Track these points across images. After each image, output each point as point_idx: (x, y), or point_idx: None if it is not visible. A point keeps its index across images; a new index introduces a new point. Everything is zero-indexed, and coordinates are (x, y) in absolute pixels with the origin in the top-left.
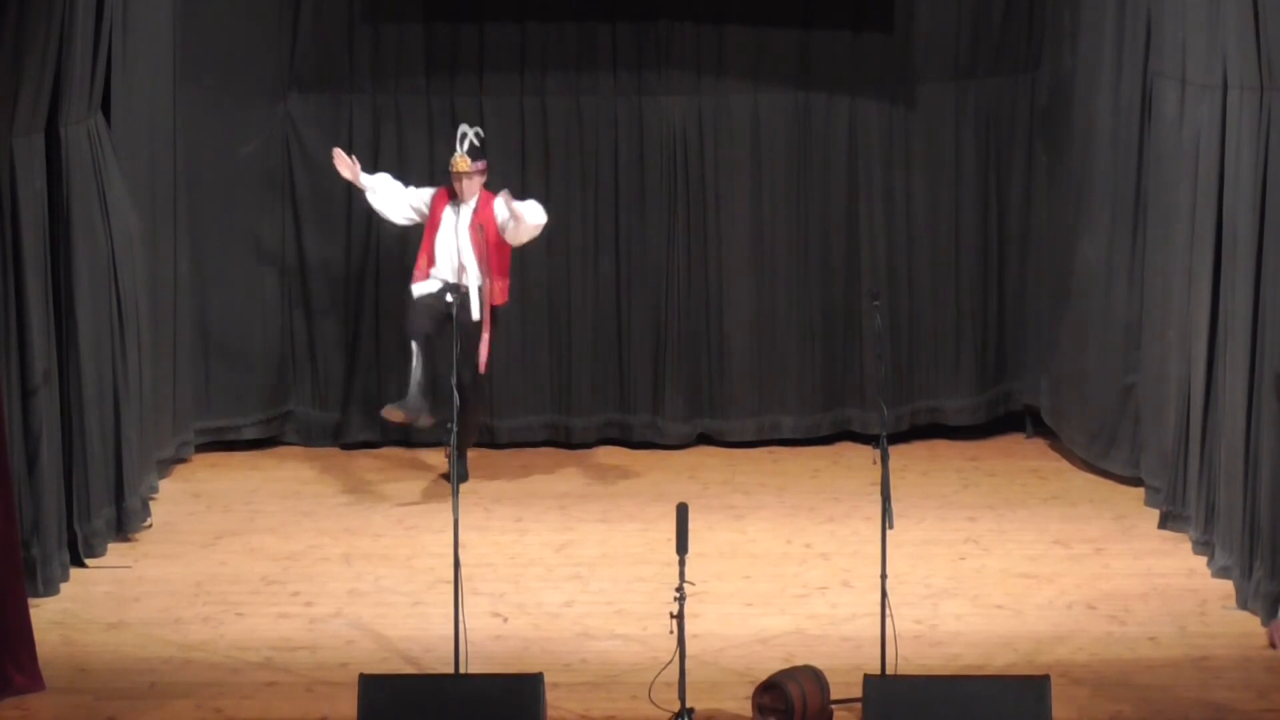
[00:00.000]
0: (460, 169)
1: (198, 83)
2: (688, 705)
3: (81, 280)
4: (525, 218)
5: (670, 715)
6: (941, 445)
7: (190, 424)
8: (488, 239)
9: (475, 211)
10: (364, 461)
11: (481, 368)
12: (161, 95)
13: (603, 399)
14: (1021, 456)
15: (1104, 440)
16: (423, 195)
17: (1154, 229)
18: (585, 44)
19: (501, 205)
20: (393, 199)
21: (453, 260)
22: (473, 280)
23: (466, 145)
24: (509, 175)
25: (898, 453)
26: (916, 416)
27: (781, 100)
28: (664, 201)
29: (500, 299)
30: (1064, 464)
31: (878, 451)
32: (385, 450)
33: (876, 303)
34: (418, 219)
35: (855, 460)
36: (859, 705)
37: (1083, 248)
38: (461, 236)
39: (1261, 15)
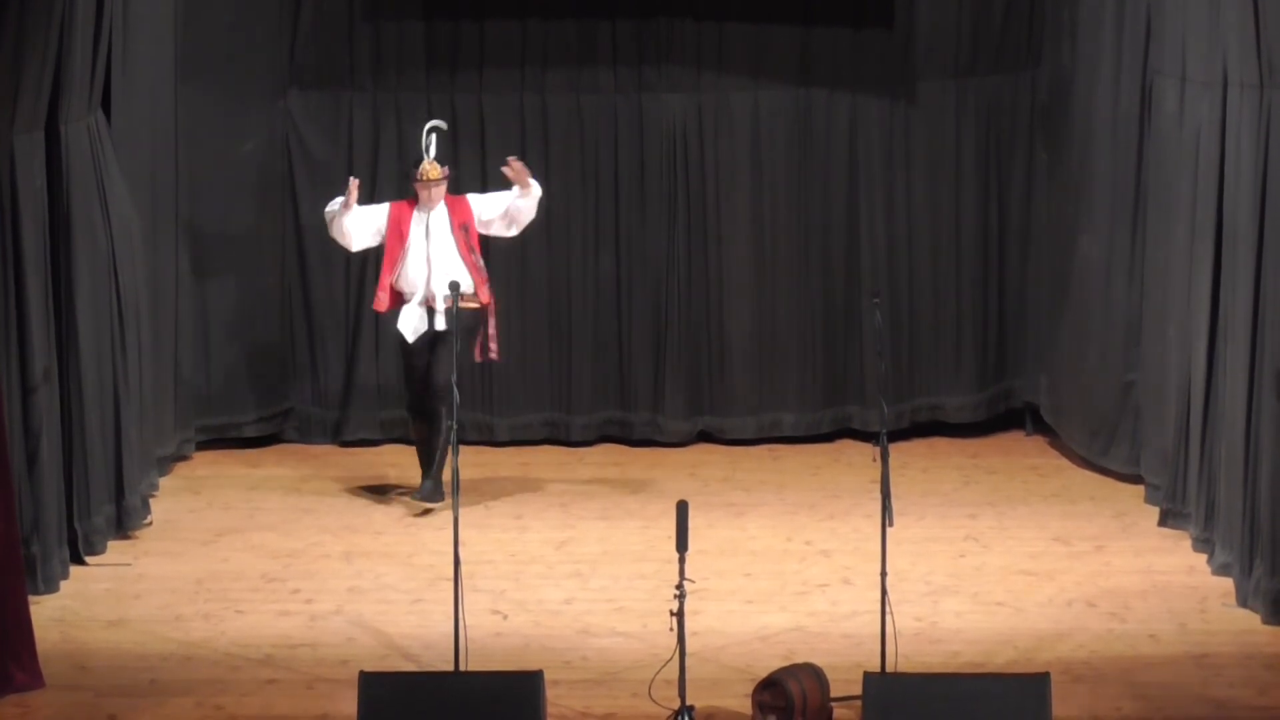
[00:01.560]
0: (432, 176)
1: (198, 80)
2: (688, 703)
3: (82, 278)
4: (532, 191)
5: (670, 713)
6: (942, 442)
7: (190, 421)
8: (471, 238)
9: (451, 213)
10: (364, 459)
11: (496, 354)
12: (162, 93)
13: (603, 397)
14: (1022, 454)
15: (1104, 437)
16: (380, 214)
17: (1154, 226)
18: (585, 41)
19: (489, 200)
20: (362, 223)
21: (425, 271)
22: (440, 285)
23: (435, 151)
24: None
25: (898, 450)
26: (917, 414)
27: (782, 97)
28: (664, 198)
29: (487, 298)
30: (1064, 461)
31: (878, 449)
32: (385, 448)
33: (876, 300)
34: (376, 242)
35: (855, 458)
36: (859, 703)
37: (1083, 245)
38: (440, 243)
39: (1261, 13)
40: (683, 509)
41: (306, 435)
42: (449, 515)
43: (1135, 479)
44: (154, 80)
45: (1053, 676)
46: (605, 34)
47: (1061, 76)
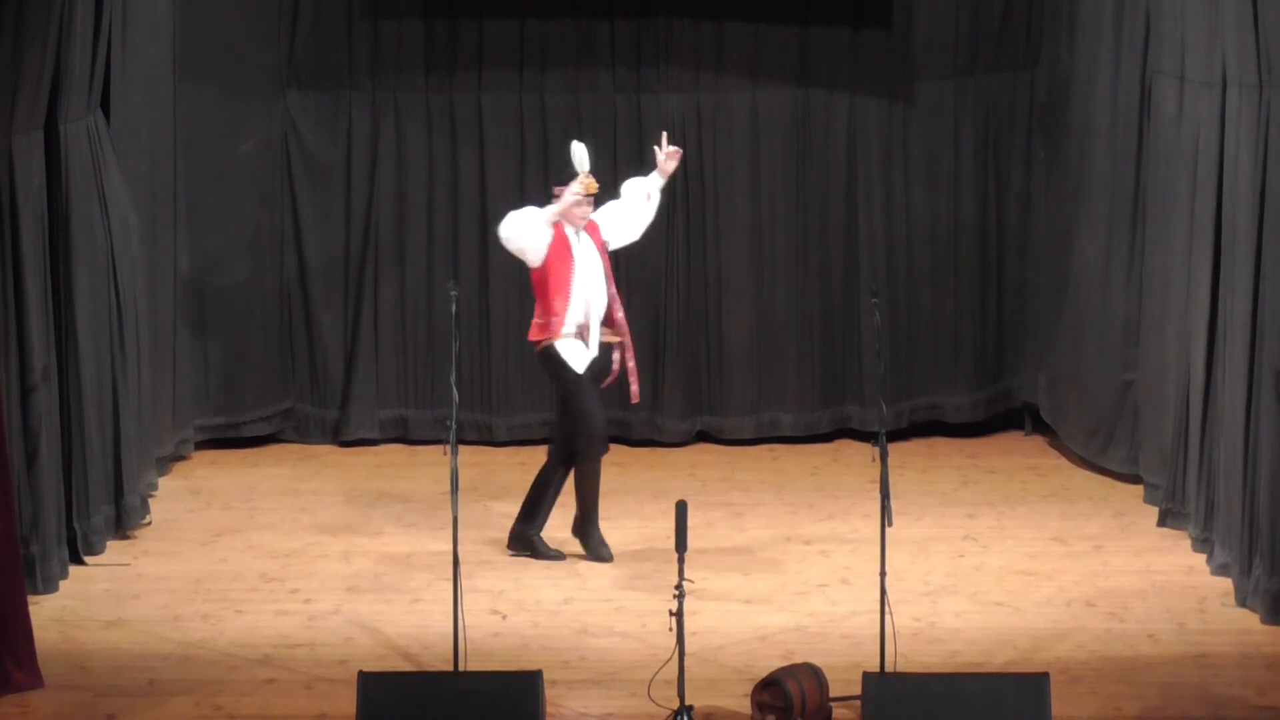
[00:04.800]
0: (593, 190)
1: (197, 80)
2: (687, 703)
3: (81, 277)
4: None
5: (669, 713)
6: (941, 442)
7: (189, 421)
8: (609, 259)
9: (591, 234)
10: (363, 459)
11: (636, 397)
12: (161, 92)
13: (602, 396)
14: (1020, 454)
15: (1103, 437)
16: (547, 234)
17: (1153, 226)
18: (584, 41)
19: (610, 214)
20: (543, 240)
21: (588, 300)
22: (597, 314)
23: (589, 164)
24: (507, 174)
25: (897, 450)
26: (916, 414)
27: (780, 97)
28: (663, 198)
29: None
30: (1063, 461)
31: (877, 449)
32: (384, 447)
33: (875, 300)
34: (539, 261)
35: (854, 457)
36: (858, 702)
37: (1081, 245)
38: (593, 268)
39: (1260, 12)
40: (681, 509)
41: (305, 435)
42: (448, 515)
43: (1134, 479)
44: (153, 80)
45: (1052, 676)
46: (604, 34)
47: (1060, 76)
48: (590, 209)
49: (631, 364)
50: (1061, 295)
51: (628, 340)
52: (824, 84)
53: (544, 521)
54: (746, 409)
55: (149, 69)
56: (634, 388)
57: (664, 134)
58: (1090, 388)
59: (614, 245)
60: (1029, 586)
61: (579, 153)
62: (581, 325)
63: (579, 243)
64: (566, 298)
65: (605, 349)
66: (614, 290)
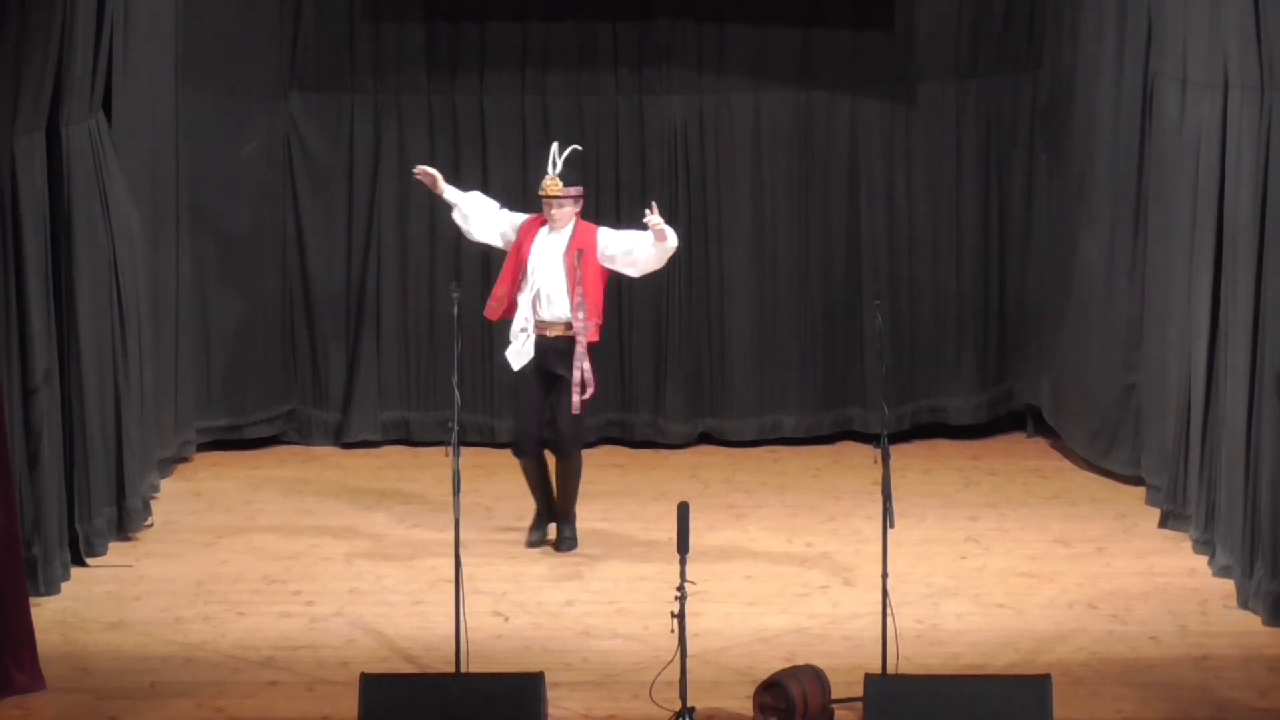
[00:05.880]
0: (550, 192)
1: (199, 82)
2: (689, 704)
3: (83, 279)
4: (667, 241)
5: (671, 714)
6: (943, 444)
7: (191, 423)
8: (584, 265)
9: (571, 238)
10: (365, 460)
11: (576, 408)
12: (162, 94)
13: (604, 398)
14: (1022, 455)
15: (1105, 439)
16: (515, 220)
17: (1155, 228)
18: (586, 43)
19: (618, 234)
20: (485, 219)
21: (533, 293)
22: (555, 313)
23: (559, 166)
24: (509, 175)
25: (899, 452)
26: (918, 415)
27: (782, 99)
28: (665, 200)
29: (594, 335)
30: (1065, 463)
31: (879, 451)
32: (386, 449)
33: (877, 301)
34: (500, 244)
35: (856, 459)
36: (860, 704)
37: (1083, 246)
38: (547, 267)
39: (1262, 15)
40: (683, 511)
41: (307, 437)
42: (450, 517)
43: (1136, 481)
44: (155, 82)
45: (1053, 678)
46: (606, 36)
47: (1062, 77)
48: (556, 210)
49: (577, 376)
50: (1064, 297)
51: (584, 348)
52: (826, 86)
53: (542, 510)
54: (748, 411)
55: (151, 71)
56: (575, 397)
57: (653, 203)
58: (1092, 390)
59: (615, 268)
60: (1031, 588)
61: (555, 153)
62: (525, 319)
63: (545, 241)
64: (505, 286)
65: (563, 344)
66: (579, 299)
